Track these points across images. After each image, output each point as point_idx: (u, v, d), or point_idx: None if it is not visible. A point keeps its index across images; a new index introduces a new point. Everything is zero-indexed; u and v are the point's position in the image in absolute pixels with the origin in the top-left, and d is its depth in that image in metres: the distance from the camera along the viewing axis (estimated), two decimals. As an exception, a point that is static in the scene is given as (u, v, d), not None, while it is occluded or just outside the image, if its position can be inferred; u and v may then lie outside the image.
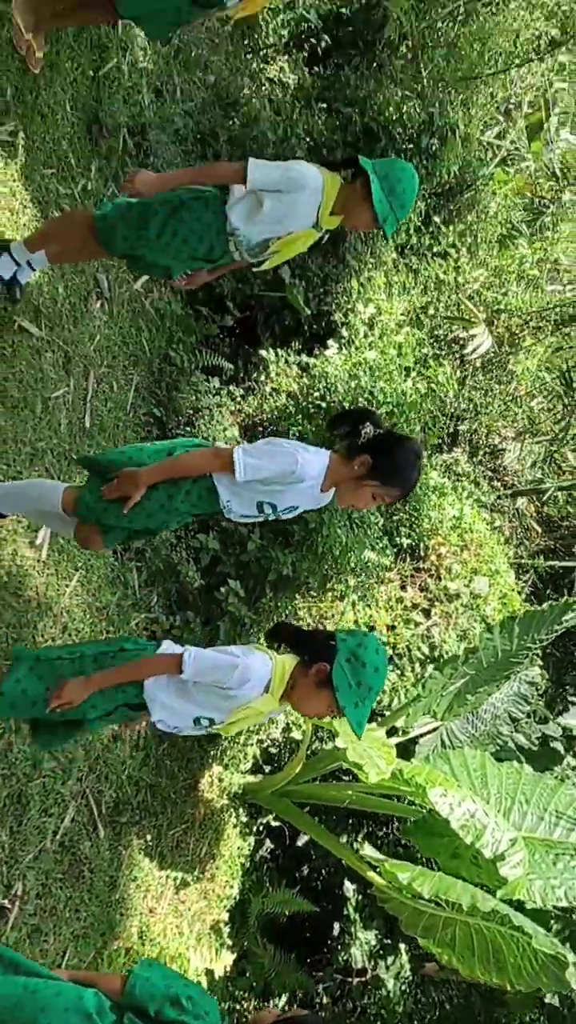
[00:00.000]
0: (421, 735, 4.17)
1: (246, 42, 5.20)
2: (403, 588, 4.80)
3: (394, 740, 3.93)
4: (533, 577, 6.32)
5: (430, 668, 4.13)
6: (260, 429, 4.30)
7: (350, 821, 4.60)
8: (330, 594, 4.39)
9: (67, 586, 3.19)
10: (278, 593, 4.03)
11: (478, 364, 5.87)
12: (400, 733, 4.12)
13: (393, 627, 4.58)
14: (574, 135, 6.55)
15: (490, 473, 6.29)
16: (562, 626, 3.94)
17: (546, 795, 3.78)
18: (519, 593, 5.42)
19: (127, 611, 3.60)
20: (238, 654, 2.07)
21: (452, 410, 5.62)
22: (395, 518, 4.78)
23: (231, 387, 4.31)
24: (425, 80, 4.96)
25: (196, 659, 2.07)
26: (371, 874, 3.74)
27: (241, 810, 4.27)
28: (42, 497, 2.58)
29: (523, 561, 6.23)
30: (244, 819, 4.29)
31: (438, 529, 4.91)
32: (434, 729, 4.19)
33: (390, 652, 4.48)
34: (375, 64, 5.14)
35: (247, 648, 2.13)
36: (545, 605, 4.00)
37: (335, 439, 2.38)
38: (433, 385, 4.85)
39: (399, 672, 4.41)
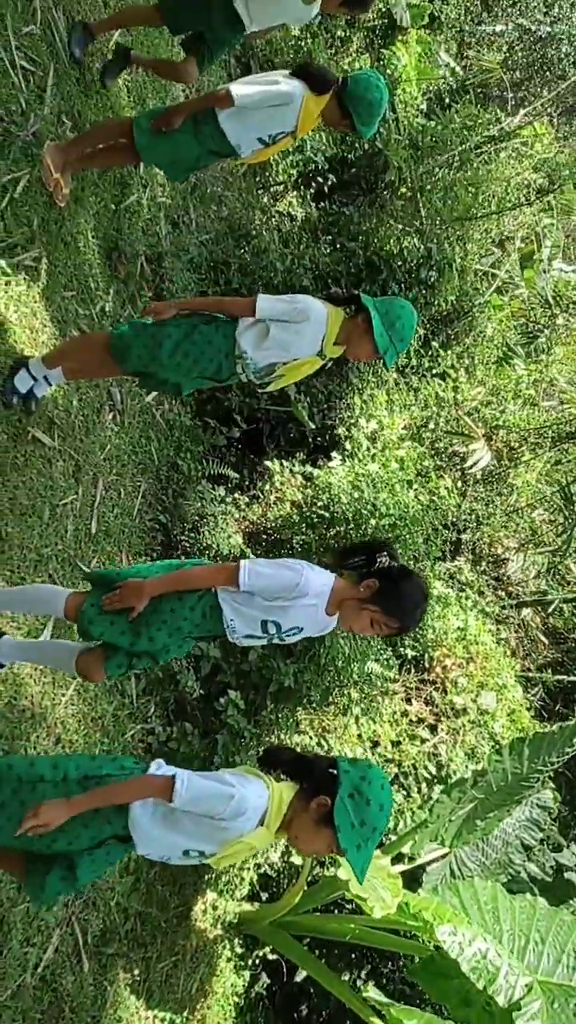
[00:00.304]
0: (428, 863, 3.95)
1: (258, 179, 5.64)
2: (408, 701, 4.68)
3: (400, 868, 3.72)
4: (541, 691, 6.16)
5: (437, 790, 3.96)
6: (264, 537, 4.34)
7: (353, 955, 4.28)
8: (333, 707, 4.28)
9: (63, 695, 3.12)
10: (279, 705, 3.93)
11: (478, 477, 5.98)
12: (406, 860, 3.90)
13: (398, 743, 4.44)
14: (566, 265, 6.98)
15: (494, 583, 6.27)
16: (574, 748, 3.81)
17: (563, 933, 3.52)
18: (528, 708, 5.28)
19: (123, 721, 3.50)
20: (234, 783, 1.93)
21: (454, 519, 5.68)
22: (399, 628, 4.72)
23: (236, 495, 4.39)
24: (424, 218, 5.33)
25: (188, 787, 1.92)
26: (375, 1021, 3.45)
27: (236, 942, 3.99)
28: (45, 600, 2.57)
29: (530, 674, 6.10)
30: (239, 951, 4.00)
31: (443, 640, 4.84)
32: (442, 856, 3.97)
33: (395, 770, 4.32)
34: (377, 203, 5.55)
35: (242, 775, 2.00)
36: (556, 726, 3.88)
37: (346, 568, 2.36)
38: (435, 497, 4.93)
39: (405, 793, 4.23)
